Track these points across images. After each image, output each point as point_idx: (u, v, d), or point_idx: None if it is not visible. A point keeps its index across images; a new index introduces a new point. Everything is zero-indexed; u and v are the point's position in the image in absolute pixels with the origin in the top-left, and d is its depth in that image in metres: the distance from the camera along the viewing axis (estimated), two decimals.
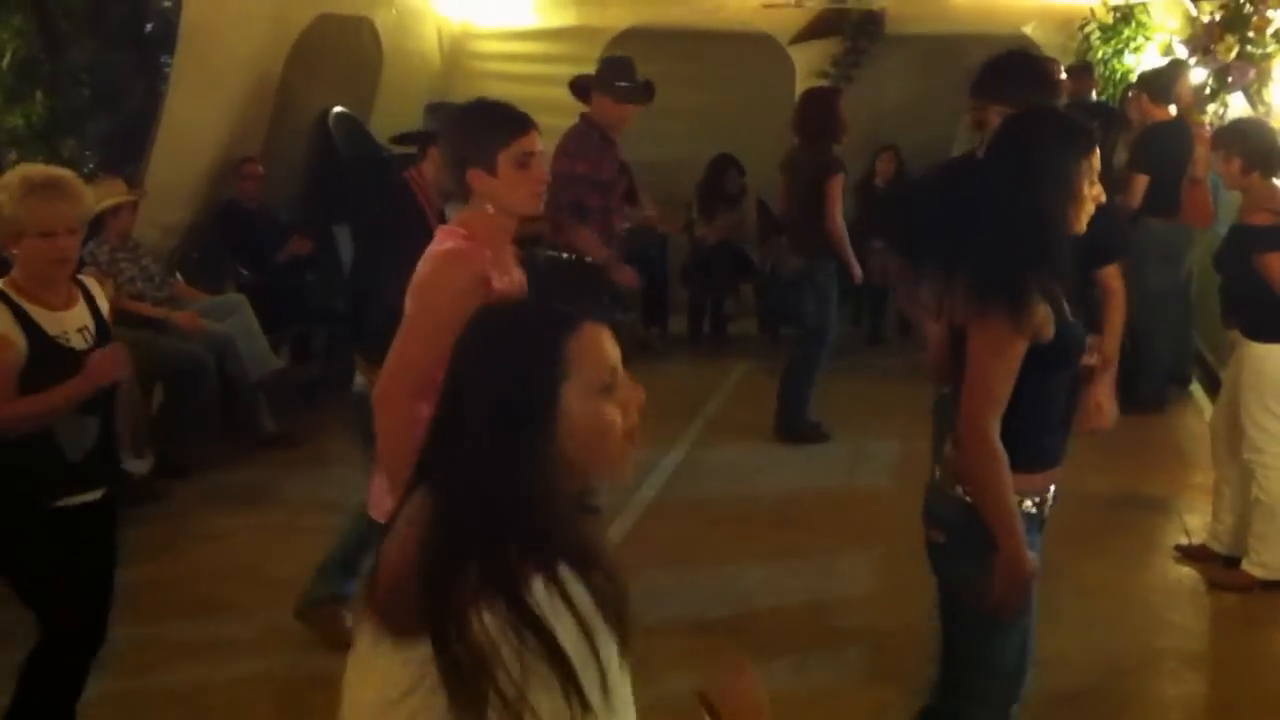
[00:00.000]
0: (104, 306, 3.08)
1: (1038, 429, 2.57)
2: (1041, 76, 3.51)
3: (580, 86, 5.34)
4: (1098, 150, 2.57)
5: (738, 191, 8.60)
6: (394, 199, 4.01)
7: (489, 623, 1.36)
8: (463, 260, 2.62)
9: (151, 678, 3.45)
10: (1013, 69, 3.46)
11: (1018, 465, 2.52)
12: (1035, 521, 2.63)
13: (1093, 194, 2.54)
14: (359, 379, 3.91)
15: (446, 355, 2.53)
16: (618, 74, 5.25)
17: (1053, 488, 2.64)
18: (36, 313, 2.87)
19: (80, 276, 3.08)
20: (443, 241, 2.69)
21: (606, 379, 1.49)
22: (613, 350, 1.51)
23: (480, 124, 2.73)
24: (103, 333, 3.01)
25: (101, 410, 2.99)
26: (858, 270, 6.34)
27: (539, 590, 1.40)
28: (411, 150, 4.24)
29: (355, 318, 4.10)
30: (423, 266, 2.69)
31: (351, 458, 5.79)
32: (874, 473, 5.87)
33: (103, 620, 3.10)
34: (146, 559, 3.24)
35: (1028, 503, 2.58)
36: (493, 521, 1.43)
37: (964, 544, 2.57)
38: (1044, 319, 2.45)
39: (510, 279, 2.70)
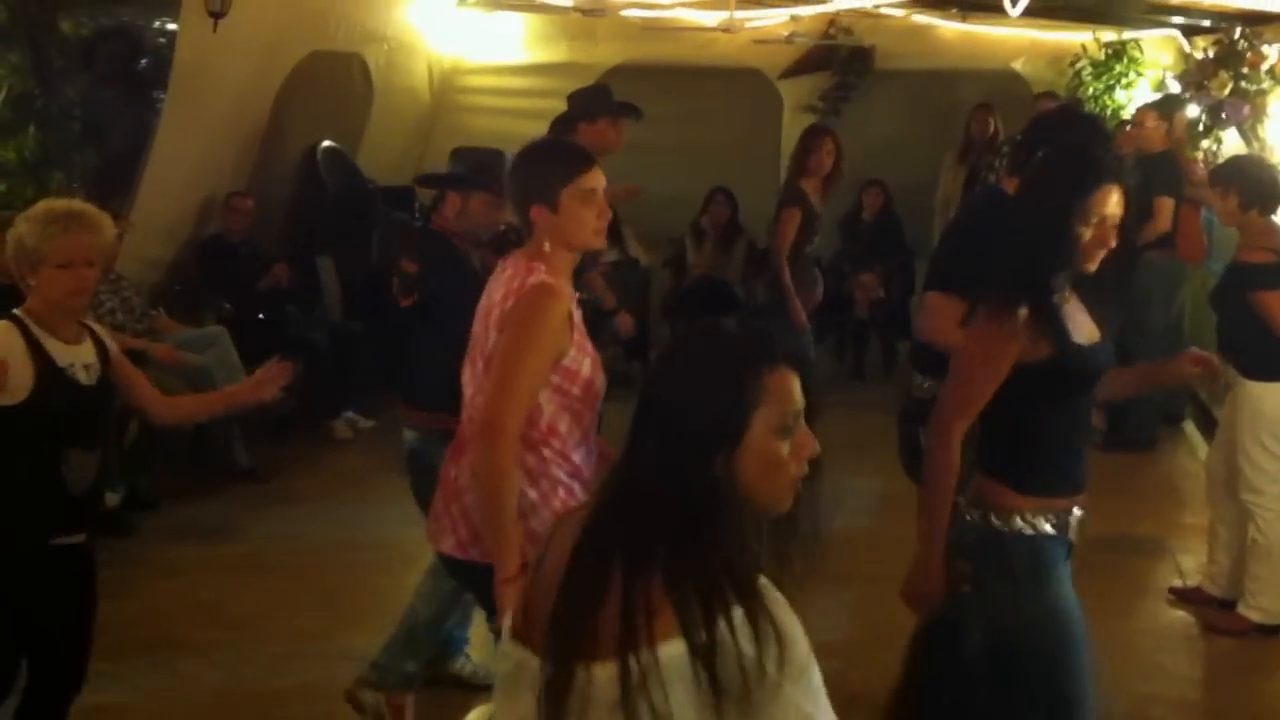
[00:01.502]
0: (113, 348, 3.09)
1: (1057, 454, 2.58)
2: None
3: (568, 120, 5.19)
4: (1112, 194, 2.57)
5: (712, 225, 8.49)
6: (433, 248, 3.89)
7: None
8: (556, 294, 2.61)
9: (105, 717, 3.36)
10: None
11: (1037, 489, 2.55)
12: (1061, 546, 2.60)
13: (1090, 234, 2.54)
14: (408, 434, 3.78)
15: (541, 387, 2.49)
16: (607, 97, 5.19)
17: (1077, 511, 2.62)
18: (49, 342, 2.91)
19: (89, 323, 3.09)
20: (528, 275, 2.65)
21: (789, 421, 1.56)
22: (799, 395, 1.58)
23: (543, 161, 2.74)
24: (106, 375, 3.02)
25: (100, 449, 3.00)
26: (799, 315, 6.00)
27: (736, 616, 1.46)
28: (402, 186, 4.12)
29: (403, 369, 3.94)
30: (513, 299, 2.64)
31: (319, 494, 5.75)
32: (853, 512, 5.73)
33: (77, 671, 3.06)
34: (107, 594, 3.16)
35: (1045, 524, 2.56)
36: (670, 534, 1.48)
37: (984, 567, 2.58)
38: (1035, 335, 2.48)
39: (578, 316, 2.69)
